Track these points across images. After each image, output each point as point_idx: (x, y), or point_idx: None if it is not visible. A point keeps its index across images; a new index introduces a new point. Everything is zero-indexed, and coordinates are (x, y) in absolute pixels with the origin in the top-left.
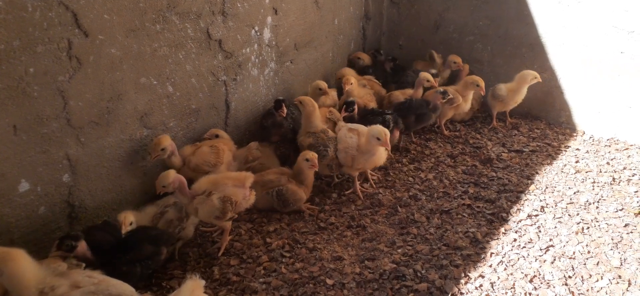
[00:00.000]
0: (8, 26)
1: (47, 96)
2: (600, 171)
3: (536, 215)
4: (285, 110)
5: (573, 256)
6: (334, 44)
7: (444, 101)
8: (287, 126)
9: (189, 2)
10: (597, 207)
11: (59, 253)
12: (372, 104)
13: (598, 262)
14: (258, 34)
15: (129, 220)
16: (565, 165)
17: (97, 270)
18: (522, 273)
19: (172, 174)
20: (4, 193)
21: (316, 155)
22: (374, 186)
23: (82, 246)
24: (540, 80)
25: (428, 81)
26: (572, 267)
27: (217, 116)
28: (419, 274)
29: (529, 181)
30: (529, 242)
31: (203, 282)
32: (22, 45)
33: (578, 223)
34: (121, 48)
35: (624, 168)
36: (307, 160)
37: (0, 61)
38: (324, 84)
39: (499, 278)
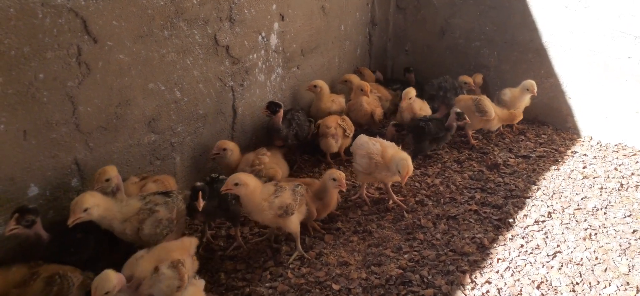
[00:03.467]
0: (18, 32)
1: (56, 101)
2: (608, 177)
3: (543, 221)
4: (274, 113)
5: (580, 263)
6: (340, 49)
7: (461, 122)
8: (290, 132)
9: (196, 8)
10: (604, 213)
11: (18, 229)
12: (379, 110)
13: (606, 269)
14: (265, 39)
15: (104, 177)
16: (572, 171)
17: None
18: (529, 279)
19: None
20: (14, 197)
21: (343, 175)
22: (402, 204)
23: (38, 224)
24: (533, 94)
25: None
26: (580, 273)
27: (224, 122)
28: (425, 280)
29: (536, 187)
30: (536, 248)
31: (203, 283)
32: (32, 51)
33: (586, 229)
34: (130, 54)
35: (632, 174)
36: (333, 179)
37: (10, 66)
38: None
39: (505, 284)
